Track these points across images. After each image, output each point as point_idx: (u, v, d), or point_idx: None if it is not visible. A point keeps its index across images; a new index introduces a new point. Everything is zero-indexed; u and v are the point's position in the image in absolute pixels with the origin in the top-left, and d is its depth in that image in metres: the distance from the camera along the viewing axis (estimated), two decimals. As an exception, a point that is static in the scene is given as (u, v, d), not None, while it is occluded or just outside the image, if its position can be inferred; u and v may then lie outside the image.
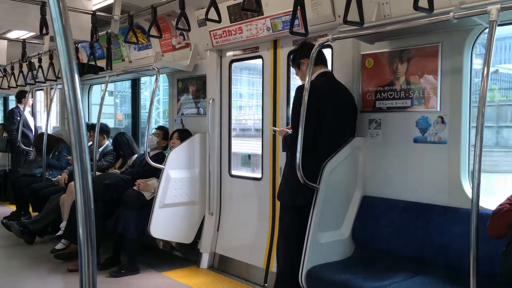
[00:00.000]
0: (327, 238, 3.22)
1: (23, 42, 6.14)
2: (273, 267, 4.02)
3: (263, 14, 3.96)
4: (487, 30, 2.55)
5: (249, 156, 5.25)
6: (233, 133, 4.81)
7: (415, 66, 3.24)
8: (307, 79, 3.11)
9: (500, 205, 2.40)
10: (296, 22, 3.25)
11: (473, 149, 2.42)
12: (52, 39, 5.62)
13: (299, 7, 3.12)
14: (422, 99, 3.21)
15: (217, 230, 4.79)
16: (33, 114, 8.42)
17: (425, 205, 3.16)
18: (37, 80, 6.89)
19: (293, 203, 3.32)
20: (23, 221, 5.87)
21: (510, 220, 2.28)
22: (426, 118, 3.20)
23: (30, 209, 6.47)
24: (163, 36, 4.97)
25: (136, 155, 5.43)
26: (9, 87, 7.86)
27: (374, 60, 3.48)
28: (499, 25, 2.46)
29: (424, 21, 2.74)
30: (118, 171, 5.29)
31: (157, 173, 4.64)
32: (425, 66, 3.19)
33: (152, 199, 4.52)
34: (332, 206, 3.25)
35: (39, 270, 4.59)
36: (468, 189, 3.01)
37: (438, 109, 3.14)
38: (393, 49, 3.36)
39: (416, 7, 2.56)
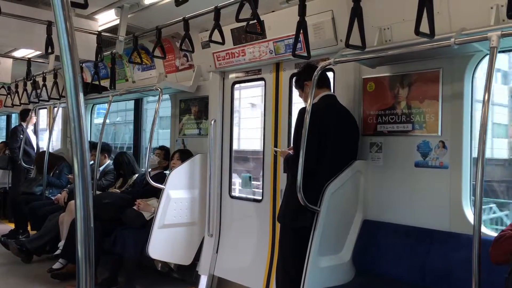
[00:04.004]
0: (327, 262, 3.18)
1: (28, 61, 6.21)
2: (272, 291, 3.97)
3: (266, 37, 4.02)
4: (488, 57, 2.58)
5: (250, 177, 5.23)
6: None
7: (416, 91, 3.26)
8: (309, 101, 3.13)
9: (502, 231, 2.38)
10: (299, 45, 3.28)
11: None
12: (57, 58, 5.70)
13: (301, 31, 3.15)
14: (423, 123, 3.22)
15: (216, 252, 4.74)
16: (36, 132, 8.46)
17: (427, 230, 3.13)
18: (40, 98, 6.95)
19: (294, 225, 3.29)
20: (21, 239, 5.83)
21: (512, 246, 2.26)
22: (427, 143, 3.20)
23: (29, 228, 6.43)
24: (167, 57, 5.03)
25: (136, 175, 5.42)
26: (13, 105, 7.91)
27: (376, 84, 3.50)
28: (499, 51, 2.48)
29: (425, 46, 2.76)
30: (118, 190, 5.27)
31: (157, 193, 4.63)
32: (426, 91, 3.20)
33: (152, 219, 4.49)
34: (333, 229, 3.22)
35: (35, 290, 4.54)
36: (470, 215, 2.99)
37: (439, 133, 3.14)
38: (394, 74, 3.39)
39: (417, 32, 2.57)
